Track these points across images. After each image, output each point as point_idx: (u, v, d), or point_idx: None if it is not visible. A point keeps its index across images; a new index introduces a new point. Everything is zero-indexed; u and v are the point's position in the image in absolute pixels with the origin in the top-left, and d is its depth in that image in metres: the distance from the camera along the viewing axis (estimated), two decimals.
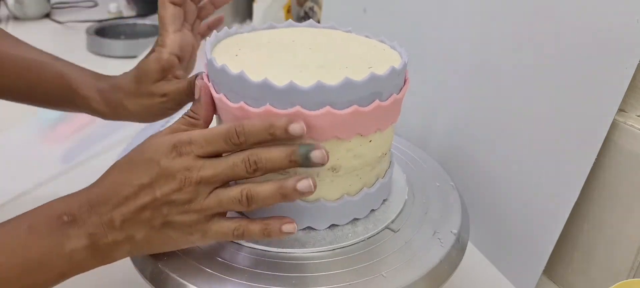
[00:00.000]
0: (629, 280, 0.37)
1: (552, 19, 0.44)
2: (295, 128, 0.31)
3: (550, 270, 0.50)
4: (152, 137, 0.33)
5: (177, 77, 0.43)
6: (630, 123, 0.41)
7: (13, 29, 1.23)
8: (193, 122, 0.35)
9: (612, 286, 0.36)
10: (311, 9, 1.10)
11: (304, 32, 0.44)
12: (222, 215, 0.33)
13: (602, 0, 0.40)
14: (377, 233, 0.39)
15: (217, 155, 0.32)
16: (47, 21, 1.33)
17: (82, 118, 0.80)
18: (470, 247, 0.53)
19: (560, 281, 0.50)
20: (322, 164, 0.32)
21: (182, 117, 0.35)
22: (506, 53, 0.49)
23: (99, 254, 0.32)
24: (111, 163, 0.34)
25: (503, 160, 0.52)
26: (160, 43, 0.43)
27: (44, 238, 0.31)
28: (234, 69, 0.33)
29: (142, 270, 0.36)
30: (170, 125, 0.34)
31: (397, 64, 0.35)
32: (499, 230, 0.54)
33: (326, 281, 0.34)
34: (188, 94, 0.41)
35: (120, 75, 0.45)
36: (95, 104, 0.45)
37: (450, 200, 0.43)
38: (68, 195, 0.33)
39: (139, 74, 0.43)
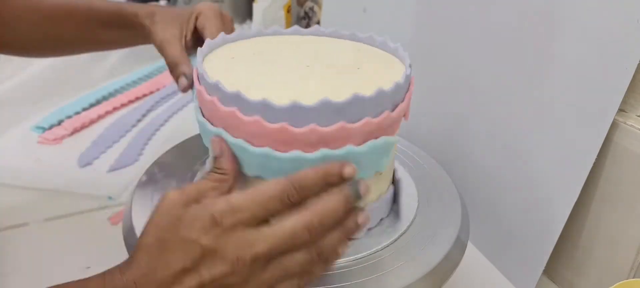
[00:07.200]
0: (629, 280, 0.37)
1: (553, 19, 0.44)
2: (349, 170, 0.29)
3: (550, 270, 0.50)
4: (176, 202, 0.28)
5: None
6: (630, 123, 0.41)
7: None
8: (223, 178, 0.31)
9: (612, 286, 0.36)
10: (311, 9, 1.10)
11: (310, 40, 0.43)
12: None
13: (602, 1, 0.40)
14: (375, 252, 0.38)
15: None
16: None
17: (78, 120, 0.79)
18: (470, 246, 0.53)
19: (560, 281, 0.50)
20: (367, 195, 0.29)
21: (207, 173, 0.31)
22: (507, 53, 0.49)
23: None
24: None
25: (503, 160, 0.52)
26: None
27: None
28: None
29: None
30: (196, 185, 0.29)
31: (369, 92, 0.32)
32: (499, 230, 0.54)
33: (329, 280, 0.34)
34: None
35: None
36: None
37: (450, 200, 0.43)
38: (103, 273, 0.28)
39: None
